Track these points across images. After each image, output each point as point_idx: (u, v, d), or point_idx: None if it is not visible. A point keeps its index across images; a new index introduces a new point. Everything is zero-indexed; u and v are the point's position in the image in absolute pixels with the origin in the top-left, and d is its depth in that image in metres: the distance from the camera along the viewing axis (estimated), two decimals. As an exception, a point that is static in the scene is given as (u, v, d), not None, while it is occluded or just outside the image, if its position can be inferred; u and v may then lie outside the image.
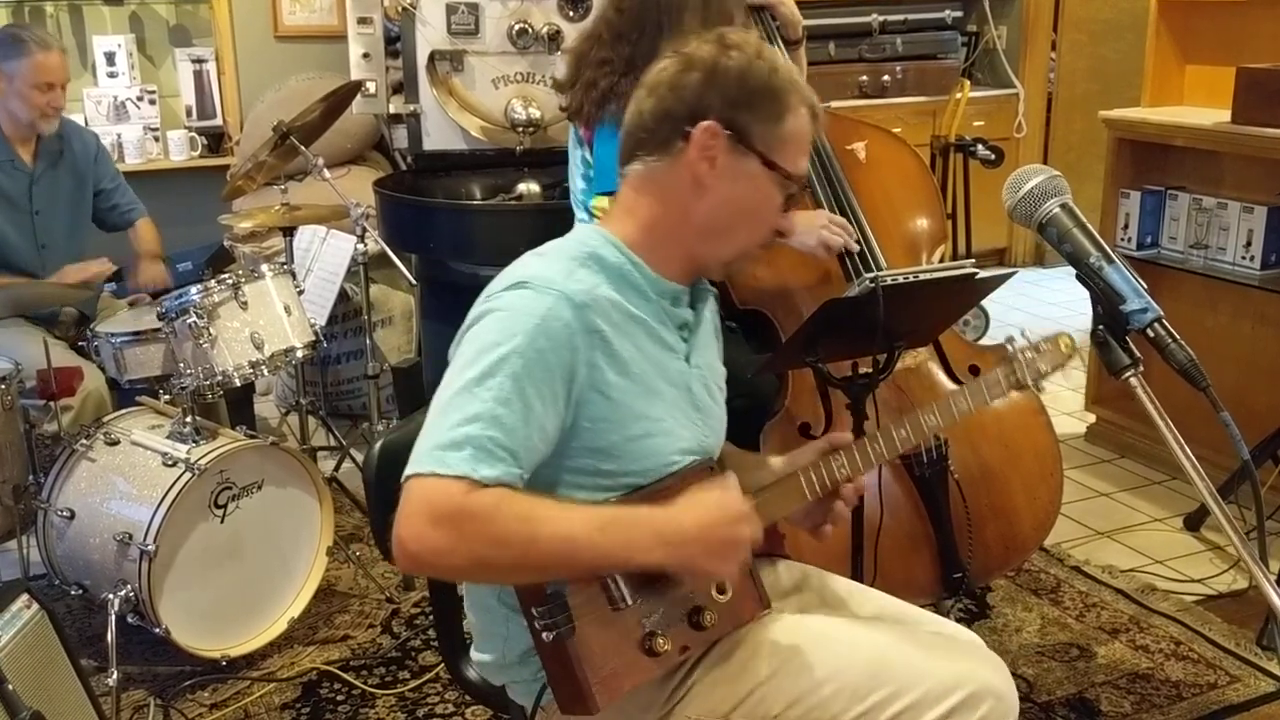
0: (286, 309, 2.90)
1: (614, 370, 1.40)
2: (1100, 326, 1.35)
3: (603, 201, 2.51)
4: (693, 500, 1.39)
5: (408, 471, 1.31)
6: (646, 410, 1.43)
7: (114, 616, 2.55)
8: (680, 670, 1.50)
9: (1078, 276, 1.36)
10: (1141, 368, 1.34)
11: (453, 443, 1.29)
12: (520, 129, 3.61)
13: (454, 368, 1.36)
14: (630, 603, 1.39)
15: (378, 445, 1.64)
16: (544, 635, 1.35)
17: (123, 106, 4.66)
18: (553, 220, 2.89)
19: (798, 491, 1.55)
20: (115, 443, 2.77)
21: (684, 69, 1.46)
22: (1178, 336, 1.29)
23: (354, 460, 3.55)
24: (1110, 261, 1.33)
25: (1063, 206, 1.39)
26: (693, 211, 1.47)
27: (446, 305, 3.66)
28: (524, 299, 1.37)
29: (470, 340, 1.37)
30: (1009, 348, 1.67)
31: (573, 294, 1.38)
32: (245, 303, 2.81)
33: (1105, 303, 1.34)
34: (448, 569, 1.38)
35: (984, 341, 4.31)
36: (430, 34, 3.56)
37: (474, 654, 1.61)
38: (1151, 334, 1.30)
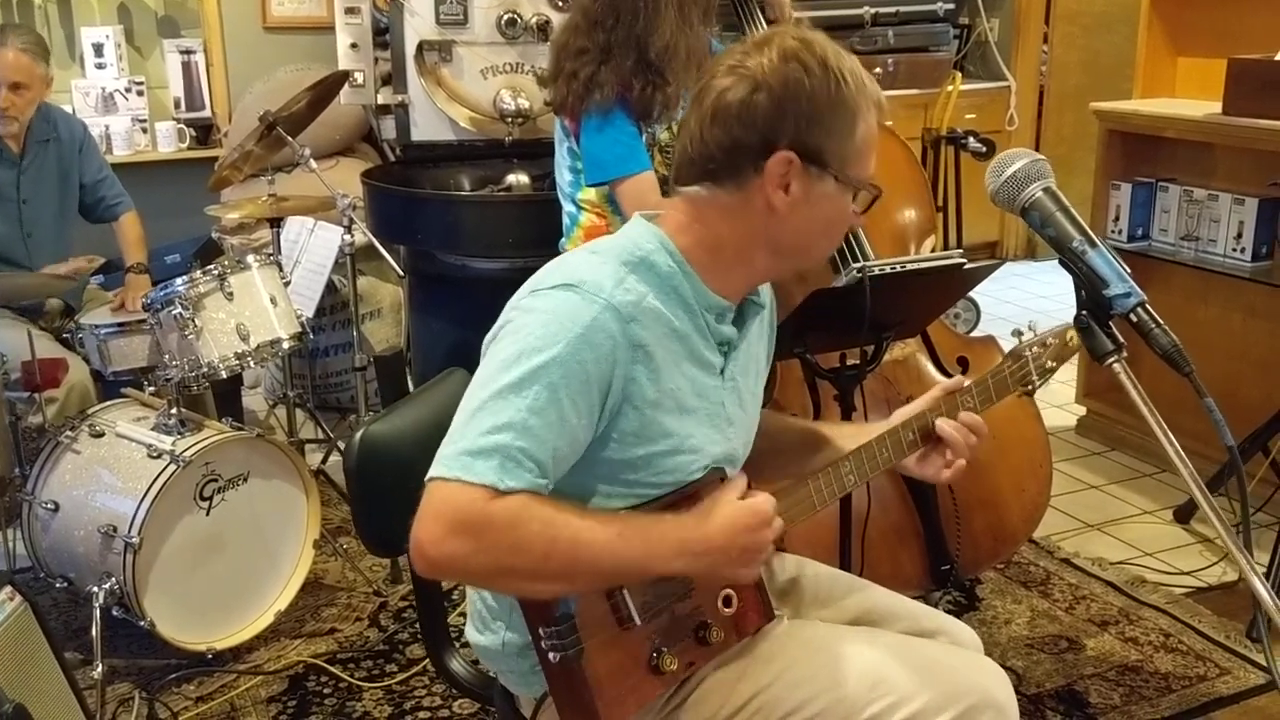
0: (273, 300, 2.89)
1: (651, 385, 1.36)
2: (1084, 312, 1.34)
3: (591, 194, 2.49)
4: (716, 507, 1.38)
5: (432, 473, 1.27)
6: (676, 428, 1.40)
7: (99, 609, 2.54)
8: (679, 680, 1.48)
9: (1061, 261, 1.34)
10: (1125, 353, 1.33)
11: (481, 450, 1.26)
12: (509, 120, 3.59)
13: (491, 364, 1.32)
14: (639, 622, 1.36)
15: (358, 435, 1.61)
16: (551, 656, 1.32)
17: (111, 98, 4.64)
18: (542, 211, 2.89)
19: (808, 501, 1.52)
20: (100, 435, 2.75)
21: (750, 91, 1.35)
22: (1161, 321, 1.28)
23: (341, 453, 3.53)
24: (1093, 245, 1.32)
25: (1046, 190, 1.37)
26: (764, 234, 1.41)
27: (435, 297, 3.64)
28: (570, 304, 1.32)
29: (510, 338, 1.32)
30: (1017, 343, 1.64)
31: (620, 305, 1.33)
32: (231, 294, 2.79)
33: (1088, 287, 1.32)
34: (465, 575, 1.35)
35: (975, 333, 4.31)
36: (418, 24, 3.54)
37: (473, 636, 1.57)
38: (1135, 318, 1.29)
